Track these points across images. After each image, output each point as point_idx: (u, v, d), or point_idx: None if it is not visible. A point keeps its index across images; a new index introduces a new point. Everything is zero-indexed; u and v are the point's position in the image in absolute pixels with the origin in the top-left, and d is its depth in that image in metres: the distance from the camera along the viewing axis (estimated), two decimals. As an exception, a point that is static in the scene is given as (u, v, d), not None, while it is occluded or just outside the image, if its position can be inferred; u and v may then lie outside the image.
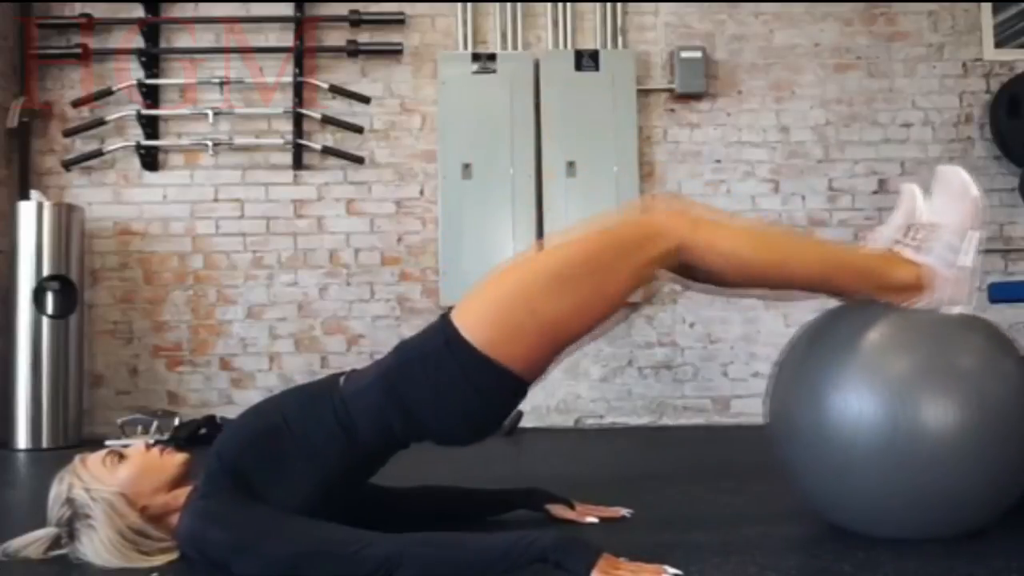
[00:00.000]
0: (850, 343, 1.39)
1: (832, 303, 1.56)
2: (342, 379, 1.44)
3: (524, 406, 3.85)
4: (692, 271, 1.43)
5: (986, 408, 1.30)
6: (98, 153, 3.96)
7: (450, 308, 1.42)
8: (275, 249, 4.01)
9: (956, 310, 1.41)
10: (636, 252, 1.36)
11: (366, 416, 1.36)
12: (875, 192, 4.07)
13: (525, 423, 3.79)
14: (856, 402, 1.33)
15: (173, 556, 1.33)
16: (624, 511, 1.70)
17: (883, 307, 1.42)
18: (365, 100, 3.99)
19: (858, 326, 1.40)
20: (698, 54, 4.00)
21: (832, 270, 1.42)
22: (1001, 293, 2.68)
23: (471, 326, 1.33)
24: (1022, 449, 1.34)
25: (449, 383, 1.33)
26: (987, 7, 4.11)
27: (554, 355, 1.39)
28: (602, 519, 1.66)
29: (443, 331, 1.36)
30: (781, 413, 1.49)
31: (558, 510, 1.68)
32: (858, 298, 1.46)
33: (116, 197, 4.02)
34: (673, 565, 1.16)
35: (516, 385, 1.37)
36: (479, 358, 1.32)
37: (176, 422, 3.61)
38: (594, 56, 3.96)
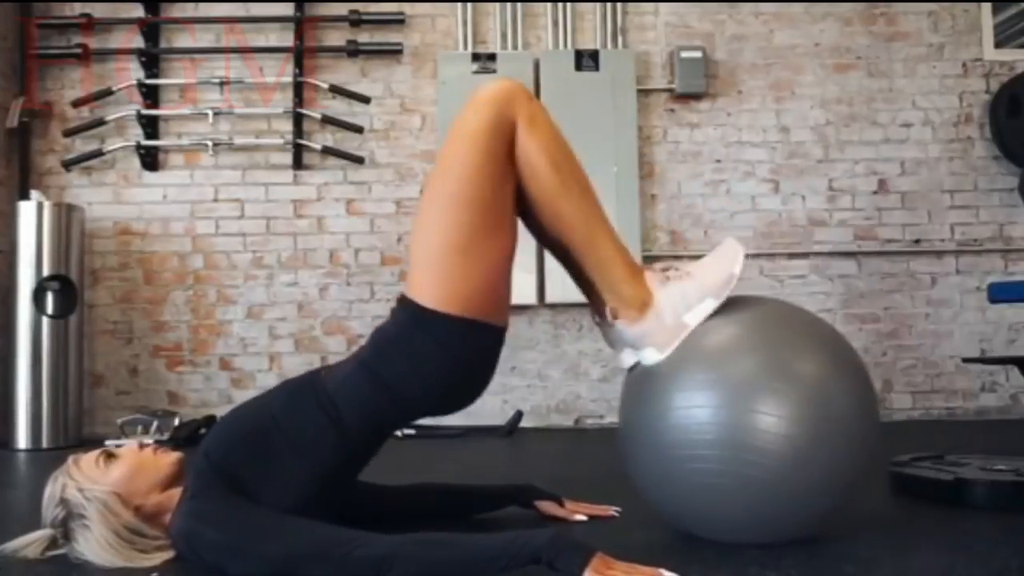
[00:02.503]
0: (693, 341, 1.38)
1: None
2: (323, 373, 1.44)
3: (524, 406, 3.87)
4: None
5: (824, 413, 1.29)
6: (98, 153, 3.97)
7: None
8: (275, 249, 4.01)
9: (652, 357, 1.41)
10: (495, 144, 1.35)
11: (352, 405, 1.36)
12: (875, 192, 4.07)
13: (525, 423, 3.79)
14: (696, 401, 1.32)
15: (170, 554, 1.33)
16: (613, 510, 1.70)
17: (730, 306, 1.40)
18: (365, 100, 3.99)
19: (705, 325, 1.39)
20: (698, 54, 4.00)
21: (593, 236, 1.42)
22: (1001, 293, 2.68)
23: (421, 292, 1.34)
24: (858, 455, 1.32)
25: (424, 353, 1.34)
26: (987, 7, 4.11)
27: (504, 285, 1.39)
28: (593, 518, 1.66)
29: (404, 308, 1.37)
30: (626, 417, 1.48)
31: (547, 507, 1.68)
32: (587, 284, 1.46)
33: (116, 197, 4.03)
34: (673, 565, 1.16)
35: (487, 332, 1.37)
36: (443, 318, 1.32)
37: (176, 422, 3.61)
38: (594, 56, 3.97)
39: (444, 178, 1.37)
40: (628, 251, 1.47)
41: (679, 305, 1.40)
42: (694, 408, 1.32)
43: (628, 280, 1.42)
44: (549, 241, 1.48)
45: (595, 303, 1.47)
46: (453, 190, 1.34)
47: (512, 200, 1.40)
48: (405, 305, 1.37)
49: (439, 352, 1.34)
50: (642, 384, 1.43)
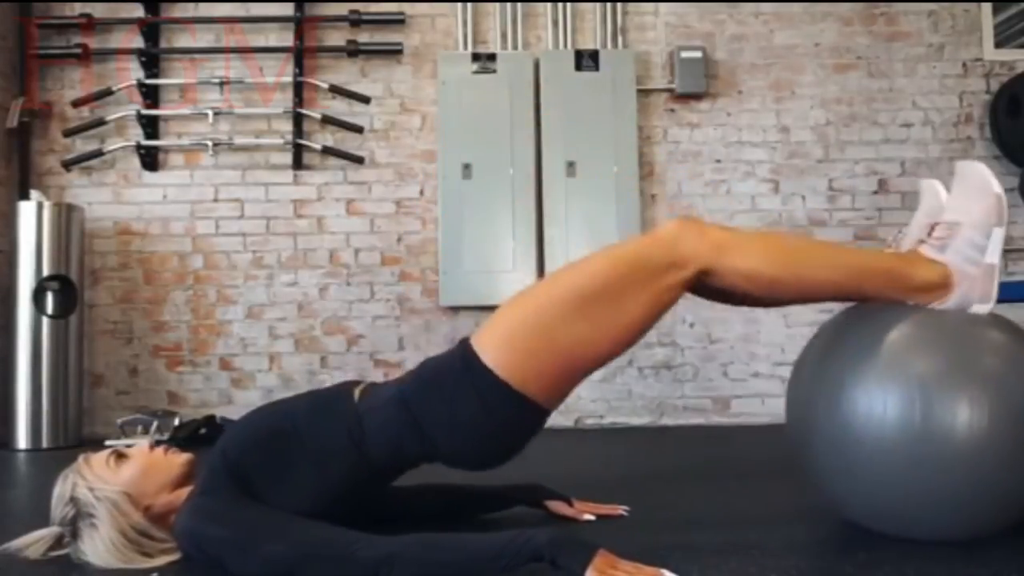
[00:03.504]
0: (872, 342, 1.38)
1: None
2: (357, 391, 1.43)
3: (524, 406, 3.86)
4: (715, 292, 1.42)
5: (1009, 409, 1.29)
6: (98, 153, 3.96)
7: (469, 335, 1.41)
8: (275, 249, 4.01)
9: (983, 308, 1.40)
10: (658, 278, 1.33)
11: (379, 433, 1.35)
12: (875, 192, 4.07)
13: (525, 423, 3.78)
14: (880, 400, 1.32)
15: (174, 557, 1.33)
16: (622, 509, 1.70)
17: (905, 306, 1.41)
18: (365, 100, 3.99)
19: (880, 325, 1.40)
20: (698, 54, 4.00)
21: (857, 277, 1.40)
22: (1001, 293, 2.68)
23: (490, 351, 1.32)
24: None
25: (466, 407, 1.32)
26: (987, 7, 4.11)
27: (573, 382, 1.38)
28: (600, 517, 1.66)
29: (462, 355, 1.35)
30: (801, 411, 1.49)
31: (556, 506, 1.68)
32: (886, 300, 1.44)
33: (116, 197, 4.02)
34: (673, 565, 1.16)
35: (534, 412, 1.36)
36: (497, 383, 1.31)
37: (176, 422, 3.61)
38: (594, 56, 3.96)
39: (582, 273, 1.35)
40: (883, 252, 1.47)
41: (973, 254, 1.38)
42: (885, 401, 1.32)
43: (913, 274, 1.39)
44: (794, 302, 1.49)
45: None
46: (586, 293, 1.32)
47: (636, 331, 1.37)
48: (466, 353, 1.35)
49: (482, 413, 1.32)
50: (823, 376, 1.43)
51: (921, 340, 1.36)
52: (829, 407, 1.39)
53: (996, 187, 1.40)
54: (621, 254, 1.37)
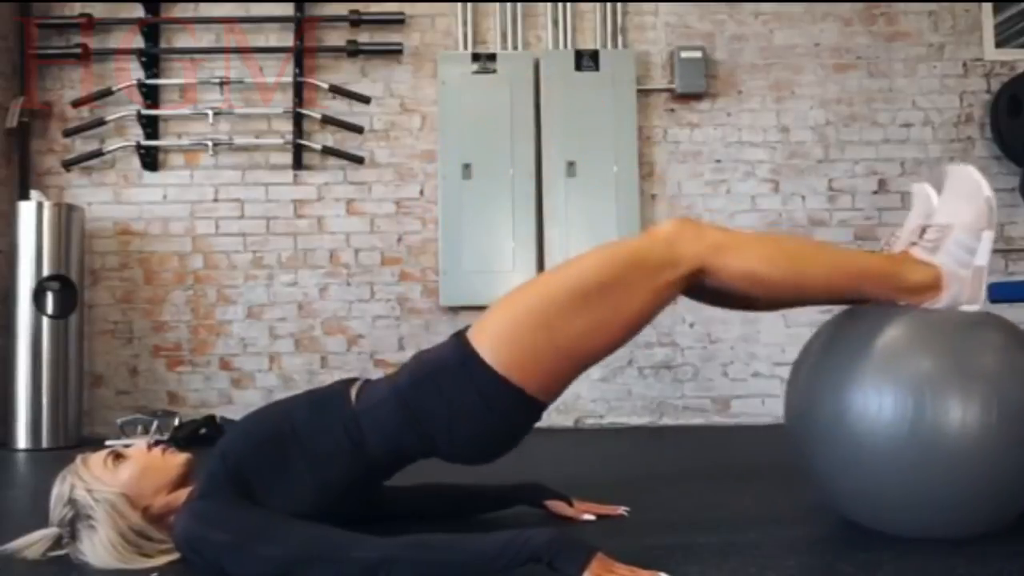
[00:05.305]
0: (869, 342, 1.39)
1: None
2: (353, 389, 1.43)
3: (524, 406, 3.87)
4: (710, 292, 1.43)
5: (1005, 408, 1.30)
6: (98, 153, 3.96)
7: (467, 327, 1.41)
8: (275, 249, 4.01)
9: (972, 308, 1.42)
10: (655, 274, 1.34)
11: (377, 432, 1.35)
12: (875, 192, 4.07)
13: (525, 423, 3.78)
14: (876, 399, 1.33)
15: (173, 557, 1.32)
16: (622, 509, 1.70)
17: (901, 307, 1.42)
18: (365, 100, 3.99)
19: (876, 326, 1.41)
20: (698, 54, 4.00)
21: (852, 278, 1.42)
22: (1001, 293, 2.68)
23: (487, 345, 1.32)
24: None
25: (464, 402, 1.32)
26: (987, 7, 4.11)
27: (570, 376, 1.38)
28: (600, 517, 1.66)
29: (459, 350, 1.35)
30: (800, 411, 1.49)
31: (556, 506, 1.68)
32: (878, 301, 1.46)
33: (116, 197, 4.02)
34: (673, 565, 1.16)
35: (531, 406, 1.36)
36: (495, 378, 1.31)
37: (176, 422, 3.61)
38: (594, 56, 3.96)
39: (580, 270, 1.35)
40: (876, 254, 1.49)
41: (964, 256, 1.40)
42: (882, 401, 1.33)
43: (907, 275, 1.41)
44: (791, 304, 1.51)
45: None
46: (583, 291, 1.32)
47: (633, 328, 1.38)
48: (462, 347, 1.35)
49: (480, 407, 1.32)
50: (821, 376, 1.44)
51: (918, 340, 1.37)
52: (826, 407, 1.40)
53: (986, 190, 1.41)
54: (618, 252, 1.37)
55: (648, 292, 1.34)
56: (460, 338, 1.37)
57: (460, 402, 1.32)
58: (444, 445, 1.37)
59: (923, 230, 1.45)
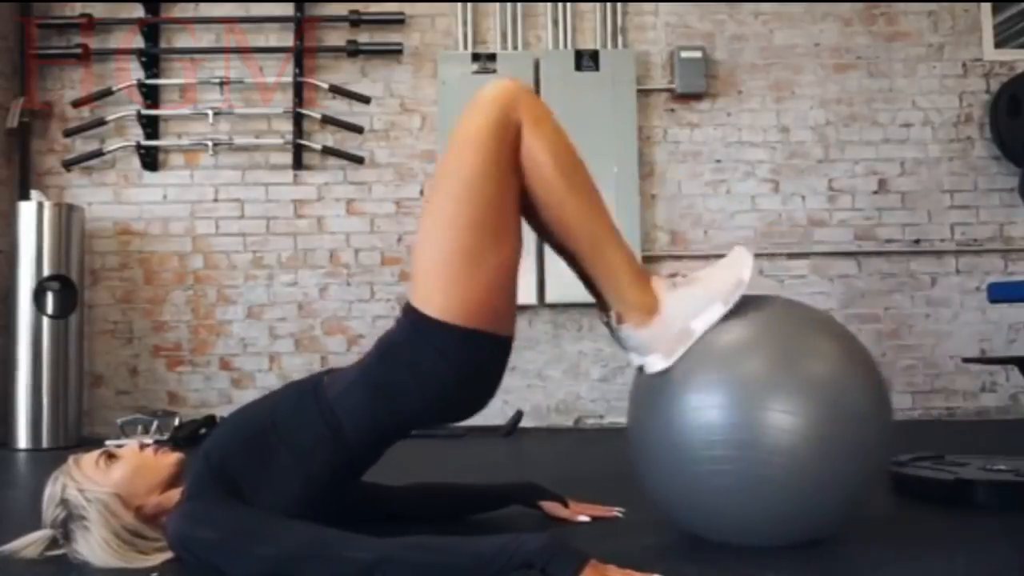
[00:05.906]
0: (703, 344, 1.36)
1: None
2: (326, 379, 1.43)
3: (524, 406, 3.87)
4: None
5: (834, 411, 1.27)
6: (98, 153, 3.97)
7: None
8: (275, 249, 4.01)
9: (656, 364, 1.38)
10: (499, 145, 1.32)
11: (353, 415, 1.35)
12: (875, 192, 4.07)
13: (525, 423, 3.79)
14: (708, 402, 1.30)
15: (170, 554, 1.32)
16: (617, 511, 1.70)
17: (741, 310, 1.38)
18: (365, 100, 3.99)
19: (713, 328, 1.37)
20: (698, 54, 4.00)
21: (602, 236, 1.39)
22: (1001, 293, 2.67)
23: (423, 300, 1.33)
24: (872, 458, 1.32)
25: (424, 363, 1.32)
26: (987, 7, 4.11)
27: (509, 292, 1.37)
28: (596, 518, 1.66)
29: (407, 317, 1.36)
30: (635, 417, 1.47)
31: (551, 507, 1.67)
32: (593, 285, 1.43)
33: (116, 197, 4.03)
34: (671, 567, 1.16)
35: (492, 343, 1.36)
36: (446, 329, 1.31)
37: (176, 422, 3.62)
38: (594, 56, 3.97)
39: (446, 181, 1.34)
40: (634, 256, 1.44)
41: (686, 311, 1.37)
42: (705, 408, 1.30)
43: (634, 285, 1.39)
44: (555, 243, 1.46)
45: (602, 303, 1.45)
46: (455, 193, 1.32)
47: (517, 204, 1.37)
48: (408, 313, 1.36)
49: (440, 362, 1.32)
50: (652, 384, 1.41)
51: (748, 343, 1.33)
52: (658, 416, 1.37)
53: (746, 275, 1.38)
54: (468, 137, 1.34)
55: (507, 163, 1.33)
56: (405, 307, 1.38)
57: (421, 364, 1.32)
58: (419, 410, 1.37)
59: (679, 273, 1.44)
